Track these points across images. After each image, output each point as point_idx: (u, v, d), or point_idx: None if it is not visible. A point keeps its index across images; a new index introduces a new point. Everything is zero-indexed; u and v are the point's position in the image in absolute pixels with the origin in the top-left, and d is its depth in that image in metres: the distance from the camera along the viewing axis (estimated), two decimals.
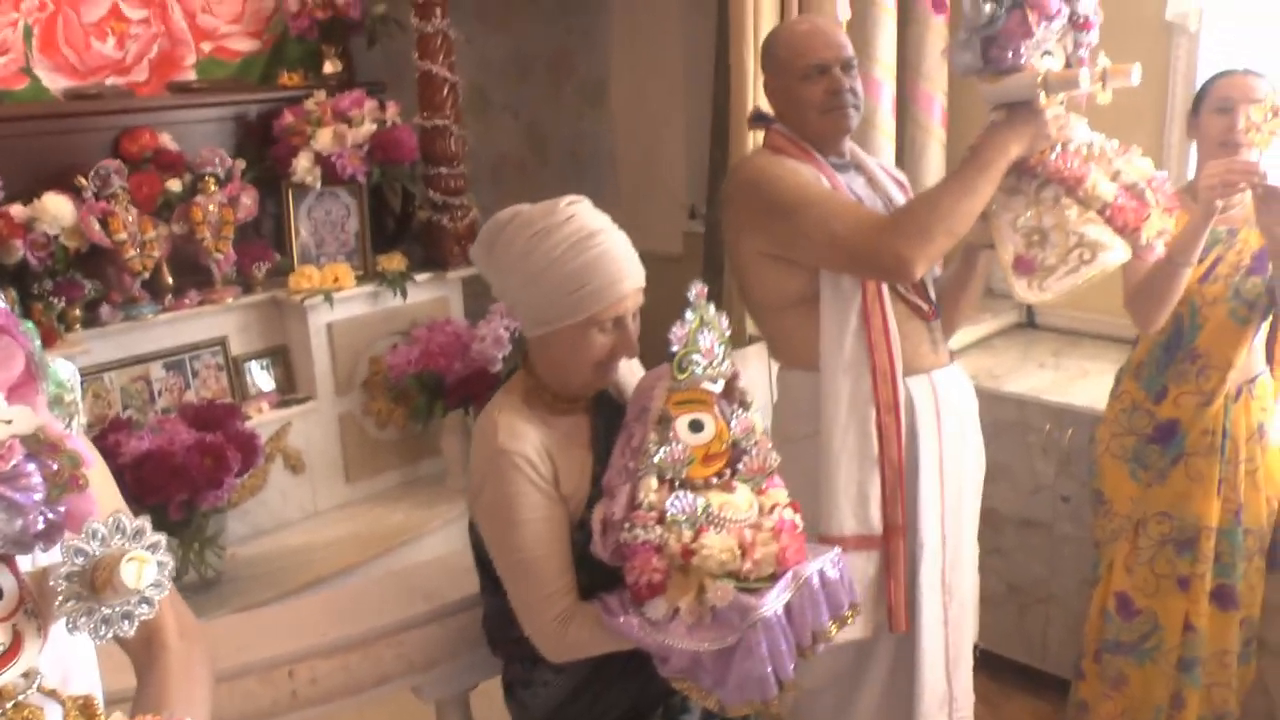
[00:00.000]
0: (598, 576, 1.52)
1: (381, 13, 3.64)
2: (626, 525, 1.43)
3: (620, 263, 1.50)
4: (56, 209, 2.89)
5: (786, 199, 1.89)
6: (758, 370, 2.90)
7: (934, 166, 3.35)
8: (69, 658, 0.99)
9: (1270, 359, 2.29)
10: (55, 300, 2.85)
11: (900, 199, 2.06)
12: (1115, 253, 1.82)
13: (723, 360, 1.48)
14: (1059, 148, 1.83)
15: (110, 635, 0.83)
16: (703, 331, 1.45)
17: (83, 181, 2.97)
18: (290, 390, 3.38)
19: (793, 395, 2.07)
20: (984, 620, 2.99)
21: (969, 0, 1.73)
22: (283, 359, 3.40)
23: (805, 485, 1.99)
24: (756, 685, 1.36)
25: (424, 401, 3.35)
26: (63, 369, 1.01)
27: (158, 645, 1.10)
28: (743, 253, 2.00)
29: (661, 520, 1.42)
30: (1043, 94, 1.75)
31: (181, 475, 2.58)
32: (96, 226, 2.95)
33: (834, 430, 1.96)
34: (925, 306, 2.03)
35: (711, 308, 1.46)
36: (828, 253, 1.88)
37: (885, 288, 1.95)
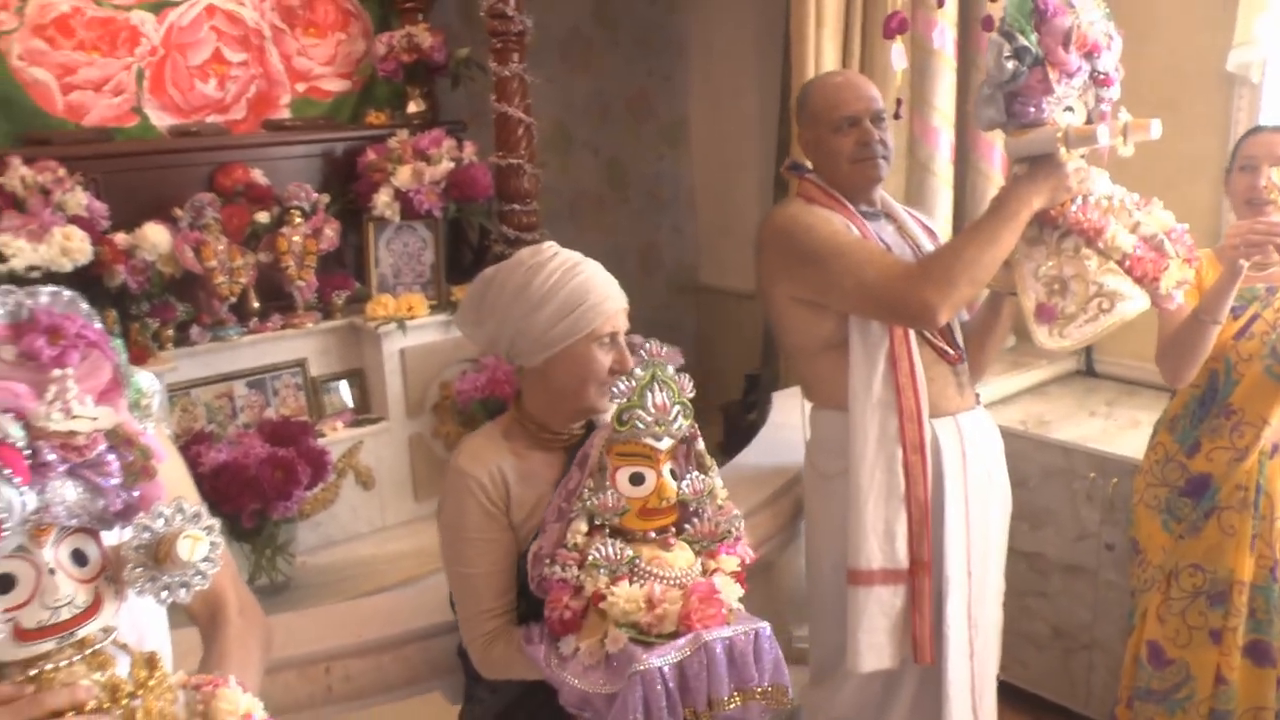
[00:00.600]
0: (535, 606, 1.58)
1: (465, 56, 3.80)
2: (548, 561, 1.49)
3: (606, 284, 1.62)
4: (155, 237, 3.12)
5: (818, 247, 1.95)
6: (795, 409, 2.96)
7: None
8: (143, 622, 1.15)
9: None
10: (150, 321, 3.08)
11: (929, 246, 2.11)
12: (1134, 302, 1.86)
13: (675, 420, 1.49)
14: (1080, 200, 1.88)
15: (170, 600, 0.98)
16: (653, 388, 1.47)
17: (179, 212, 3.20)
18: (364, 411, 3.54)
19: (824, 434, 2.13)
20: (1028, 662, 3.02)
21: (992, 57, 1.79)
22: (358, 381, 3.56)
23: (837, 520, 2.08)
24: None
25: None
26: (144, 379, 1.15)
27: (221, 619, 1.27)
28: (776, 298, 2.06)
29: (582, 564, 1.45)
30: (1063, 148, 1.80)
31: (254, 486, 2.72)
32: (190, 254, 3.17)
33: (862, 468, 2.02)
34: (951, 351, 2.08)
35: (670, 368, 1.49)
36: (856, 299, 1.95)
37: (912, 333, 2.00)
